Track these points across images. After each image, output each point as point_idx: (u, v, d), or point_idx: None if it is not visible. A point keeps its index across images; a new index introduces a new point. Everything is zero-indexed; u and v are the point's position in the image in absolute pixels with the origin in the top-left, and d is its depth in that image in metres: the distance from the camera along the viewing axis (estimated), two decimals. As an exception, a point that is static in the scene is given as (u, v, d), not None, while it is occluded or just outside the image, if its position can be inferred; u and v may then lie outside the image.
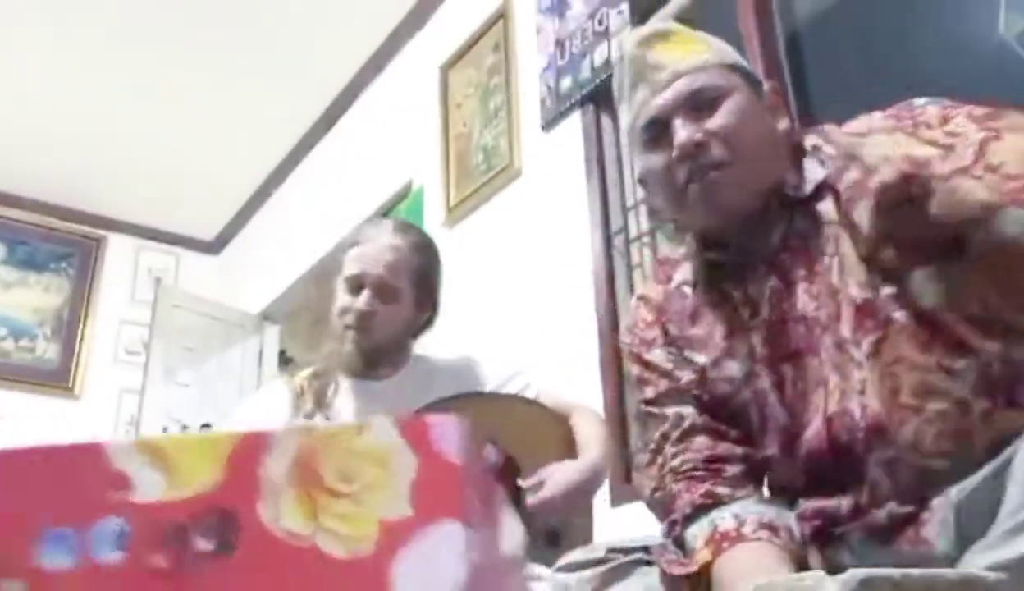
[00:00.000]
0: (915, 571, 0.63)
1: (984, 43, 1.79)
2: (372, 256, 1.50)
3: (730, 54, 1.02)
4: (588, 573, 0.90)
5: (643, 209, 2.54)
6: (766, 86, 1.02)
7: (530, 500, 1.35)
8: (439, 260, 1.63)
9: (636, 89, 1.00)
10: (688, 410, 0.99)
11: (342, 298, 1.51)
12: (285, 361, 4.83)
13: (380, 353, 1.52)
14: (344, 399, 1.52)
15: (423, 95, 3.48)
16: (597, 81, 2.59)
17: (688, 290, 1.03)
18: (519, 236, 2.80)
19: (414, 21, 3.66)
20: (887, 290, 0.87)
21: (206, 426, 1.28)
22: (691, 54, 0.98)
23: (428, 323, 1.61)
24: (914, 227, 0.77)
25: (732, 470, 0.95)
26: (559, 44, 2.78)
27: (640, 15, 2.55)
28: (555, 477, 1.38)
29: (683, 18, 2.48)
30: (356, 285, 1.50)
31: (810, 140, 1.00)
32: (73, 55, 3.82)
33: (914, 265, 0.84)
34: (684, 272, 1.05)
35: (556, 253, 2.63)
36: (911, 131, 0.88)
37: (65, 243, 4.93)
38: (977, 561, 0.68)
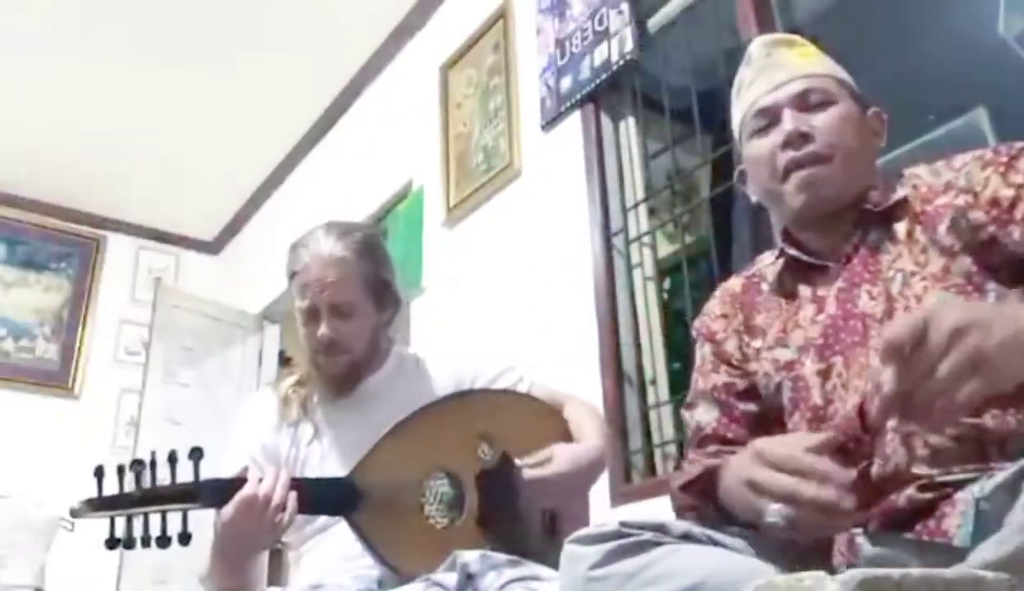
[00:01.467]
0: (915, 571, 0.63)
1: (984, 43, 1.79)
2: (315, 281, 1.43)
3: (843, 73, 1.13)
4: (594, 548, 0.90)
5: (643, 209, 2.54)
6: (873, 109, 1.13)
7: (531, 472, 1.34)
8: (384, 252, 1.56)
9: (755, 83, 1.12)
10: (708, 418, 1.11)
11: (305, 331, 1.47)
12: (285, 361, 4.83)
13: (358, 365, 1.51)
14: (329, 404, 1.51)
15: (423, 95, 3.48)
16: (597, 81, 2.59)
17: (765, 286, 1.14)
18: (519, 236, 2.80)
19: (414, 21, 3.66)
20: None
21: (196, 451, 1.25)
22: (810, 62, 1.11)
23: (394, 315, 1.58)
24: None
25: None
26: (559, 44, 2.78)
27: (640, 15, 2.55)
28: (561, 455, 1.37)
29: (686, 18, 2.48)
30: (311, 315, 1.45)
31: (908, 171, 1.08)
32: (73, 56, 3.82)
33: None
34: (767, 265, 1.15)
35: (556, 253, 2.63)
36: (1003, 171, 0.95)
37: (65, 243, 4.93)
38: (982, 555, 0.69)
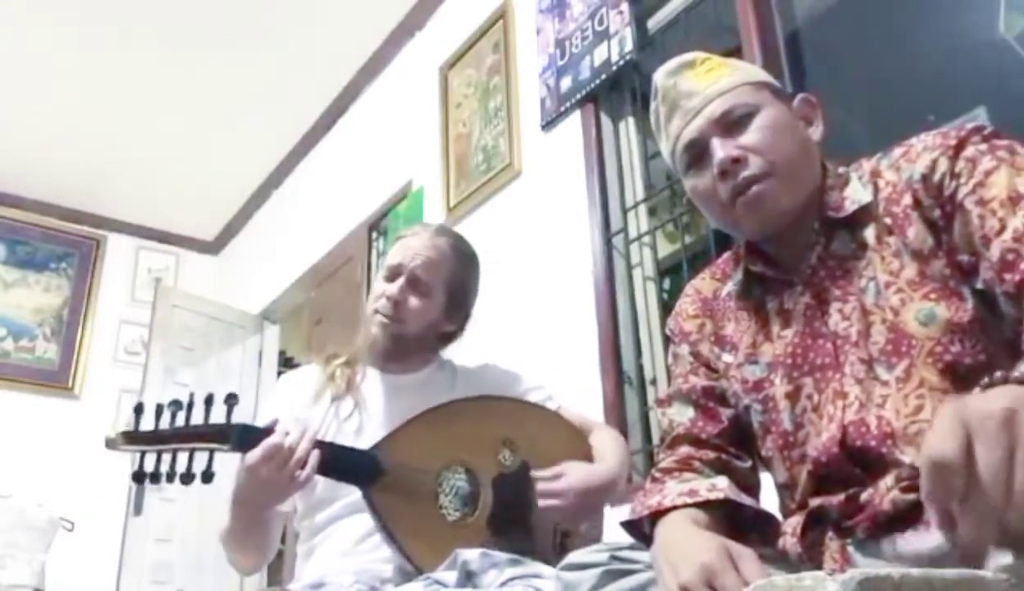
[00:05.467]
0: (915, 571, 0.63)
1: (984, 43, 1.79)
2: (413, 249, 1.53)
3: (757, 73, 1.09)
4: (588, 573, 0.90)
5: (643, 209, 2.54)
6: (799, 97, 1.08)
7: (544, 486, 1.35)
8: (478, 274, 1.66)
9: (671, 118, 1.07)
10: (682, 418, 1.09)
11: (378, 285, 1.54)
12: (285, 361, 4.83)
13: (404, 345, 1.53)
14: (371, 386, 1.53)
15: (423, 95, 3.48)
16: (597, 81, 2.59)
17: (732, 293, 1.10)
18: (519, 236, 2.80)
19: (414, 21, 3.66)
20: (920, 321, 0.91)
21: (232, 396, 1.32)
22: (719, 78, 1.04)
23: (455, 334, 1.63)
24: None
25: (698, 465, 1.05)
26: (559, 44, 2.78)
27: (640, 15, 2.56)
28: (573, 472, 1.37)
29: (686, 20, 2.48)
30: (394, 274, 1.52)
31: (868, 165, 1.03)
32: (73, 56, 3.82)
33: None
34: (736, 276, 1.11)
35: (556, 253, 2.64)
36: (951, 155, 0.92)
37: (65, 243, 4.93)
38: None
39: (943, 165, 0.92)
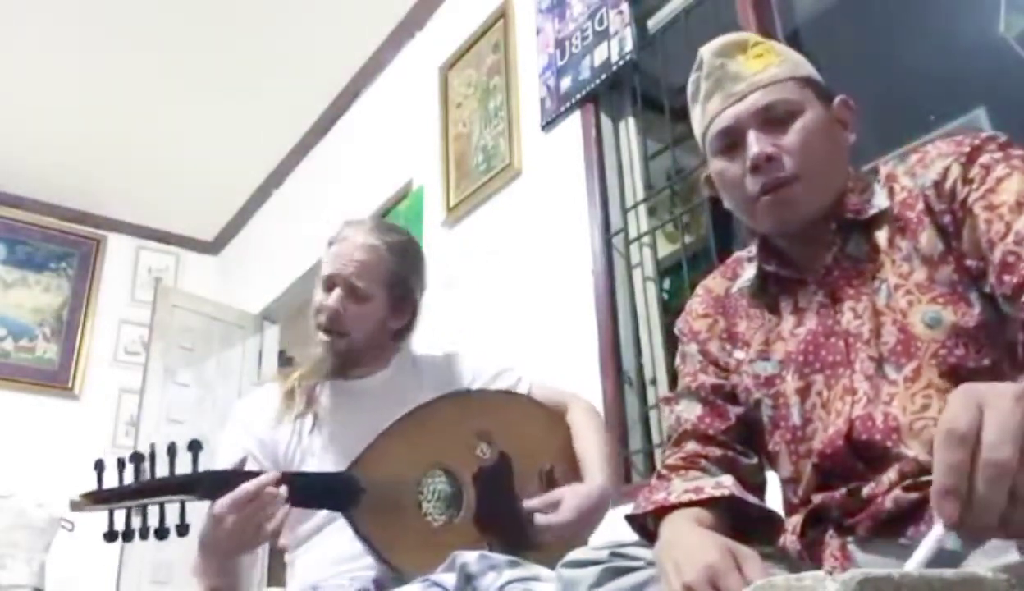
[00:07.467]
0: (915, 571, 0.63)
1: (984, 43, 1.79)
2: (345, 256, 1.48)
3: (803, 67, 1.07)
4: (588, 570, 0.90)
5: (643, 209, 2.54)
6: (838, 99, 1.07)
7: (542, 519, 1.34)
8: (419, 262, 1.59)
9: (712, 97, 1.06)
10: (689, 414, 1.09)
11: (317, 296, 1.50)
12: (285, 361, 4.83)
13: (355, 353, 1.50)
14: (332, 398, 1.50)
15: (423, 95, 3.48)
16: (597, 81, 2.59)
17: (745, 290, 1.11)
18: (519, 236, 2.80)
19: (414, 21, 3.66)
20: (926, 323, 0.92)
21: (195, 443, 1.28)
22: (768, 67, 1.03)
23: (408, 327, 1.58)
24: None
25: (705, 463, 1.05)
26: (559, 44, 2.78)
27: (640, 15, 2.56)
28: (569, 502, 1.35)
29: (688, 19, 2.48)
30: (329, 285, 1.48)
31: (884, 170, 1.04)
32: (73, 56, 3.82)
33: None
34: (748, 273, 1.11)
35: (556, 253, 2.64)
36: (964, 162, 0.93)
37: (65, 243, 4.93)
38: (982, 562, 0.68)
39: (955, 171, 0.94)
